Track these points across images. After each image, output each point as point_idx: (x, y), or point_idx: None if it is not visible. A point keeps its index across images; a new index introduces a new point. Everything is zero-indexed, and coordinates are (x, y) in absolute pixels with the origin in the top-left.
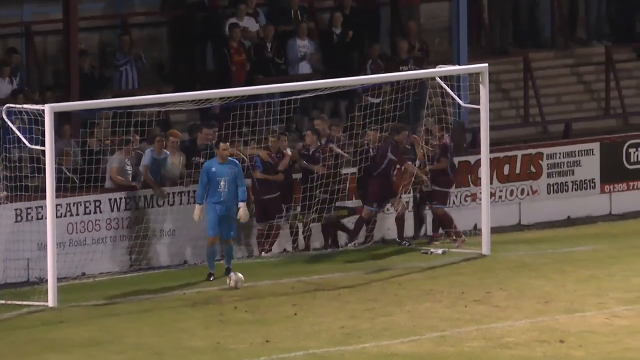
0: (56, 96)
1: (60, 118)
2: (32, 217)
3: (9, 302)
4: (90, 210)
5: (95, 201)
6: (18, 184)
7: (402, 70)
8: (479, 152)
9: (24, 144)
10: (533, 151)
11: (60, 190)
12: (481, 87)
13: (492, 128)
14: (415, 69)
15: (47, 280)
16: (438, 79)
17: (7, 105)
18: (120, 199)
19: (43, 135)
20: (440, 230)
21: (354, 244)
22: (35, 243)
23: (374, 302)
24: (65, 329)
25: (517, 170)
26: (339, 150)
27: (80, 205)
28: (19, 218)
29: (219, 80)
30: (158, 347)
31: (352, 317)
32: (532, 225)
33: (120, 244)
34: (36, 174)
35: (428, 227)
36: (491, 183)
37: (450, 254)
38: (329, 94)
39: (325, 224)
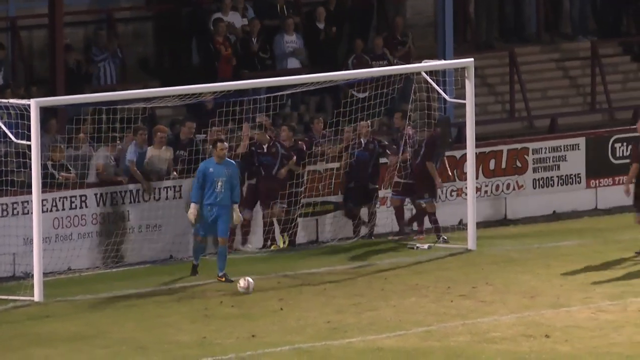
0: (42, 91)
1: (46, 113)
2: (18, 212)
3: None
4: (76, 205)
5: (81, 196)
6: (4, 178)
7: (375, 66)
8: (464, 147)
9: (10, 138)
10: (519, 146)
11: (46, 186)
12: (467, 81)
13: (477, 123)
14: (399, 64)
15: (33, 275)
16: (423, 73)
17: None
18: (107, 194)
19: (29, 130)
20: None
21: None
22: (21, 238)
23: (360, 296)
24: (51, 324)
25: (503, 165)
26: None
27: (66, 200)
28: (4, 213)
29: (204, 75)
30: (143, 342)
31: (338, 311)
32: (517, 220)
33: (106, 239)
34: (22, 169)
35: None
36: (477, 178)
37: (436, 249)
38: (314, 89)
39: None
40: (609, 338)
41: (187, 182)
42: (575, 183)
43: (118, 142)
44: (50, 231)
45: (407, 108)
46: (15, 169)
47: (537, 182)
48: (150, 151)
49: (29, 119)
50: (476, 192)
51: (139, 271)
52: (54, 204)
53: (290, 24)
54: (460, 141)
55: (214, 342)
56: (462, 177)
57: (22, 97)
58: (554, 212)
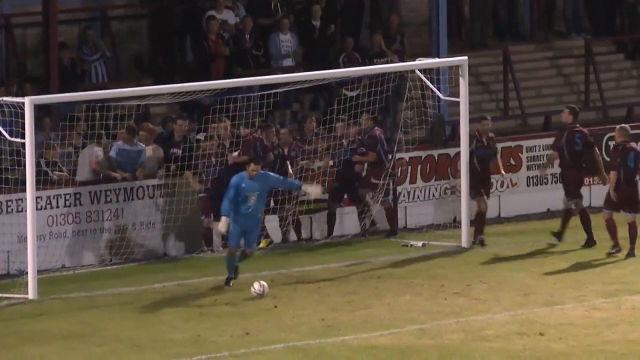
0: (36, 89)
1: (40, 111)
2: (12, 209)
3: None
4: (70, 203)
5: (75, 194)
6: None
7: (376, 64)
8: (458, 145)
9: (4, 136)
10: (513, 144)
11: (40, 183)
12: (461, 80)
13: (471, 121)
14: (394, 62)
15: (27, 273)
16: (418, 71)
17: None
18: (100, 191)
19: (23, 127)
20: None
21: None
22: (15, 235)
23: (353, 294)
24: (45, 322)
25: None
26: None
27: (60, 197)
28: None
29: (198, 73)
30: (138, 340)
31: (332, 309)
32: (511, 217)
33: (100, 237)
34: (16, 167)
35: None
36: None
37: (430, 246)
38: (308, 87)
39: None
40: (603, 336)
41: (184, 180)
42: None
43: (108, 138)
44: (45, 229)
45: (402, 107)
46: (9, 167)
47: (531, 180)
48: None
49: (23, 117)
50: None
51: (134, 269)
52: (49, 201)
53: (285, 23)
54: (454, 139)
55: (208, 340)
56: (456, 175)
57: (16, 95)
58: (548, 209)
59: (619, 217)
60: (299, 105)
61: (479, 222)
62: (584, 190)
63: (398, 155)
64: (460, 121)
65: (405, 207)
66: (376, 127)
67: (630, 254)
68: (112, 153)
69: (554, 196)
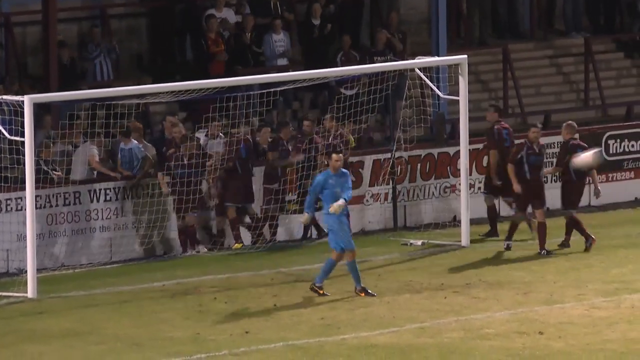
0: (35, 87)
1: (40, 109)
2: (11, 208)
3: None
4: (69, 202)
5: (74, 192)
6: None
7: (377, 62)
8: (458, 144)
9: (4, 135)
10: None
11: (39, 182)
12: (460, 78)
13: (471, 119)
14: (394, 60)
15: (26, 272)
16: (417, 70)
17: None
18: (100, 190)
19: (23, 126)
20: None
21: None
22: (14, 234)
23: (353, 293)
24: (45, 320)
25: None
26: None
27: (60, 196)
28: None
29: (197, 71)
30: (137, 338)
31: (332, 308)
32: (511, 216)
33: (100, 235)
34: (16, 165)
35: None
36: (470, 174)
37: (430, 245)
38: (308, 86)
39: None
40: (602, 335)
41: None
42: None
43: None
44: (44, 227)
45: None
46: (9, 165)
47: None
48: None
49: (22, 115)
50: (470, 189)
51: (133, 267)
52: (48, 200)
53: (278, 23)
54: (454, 138)
55: (207, 339)
56: (456, 173)
57: (16, 94)
58: (548, 209)
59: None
60: (299, 103)
61: (542, 233)
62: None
63: (397, 154)
64: (460, 119)
65: (405, 206)
66: (343, 130)
67: (565, 244)
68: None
69: (555, 195)
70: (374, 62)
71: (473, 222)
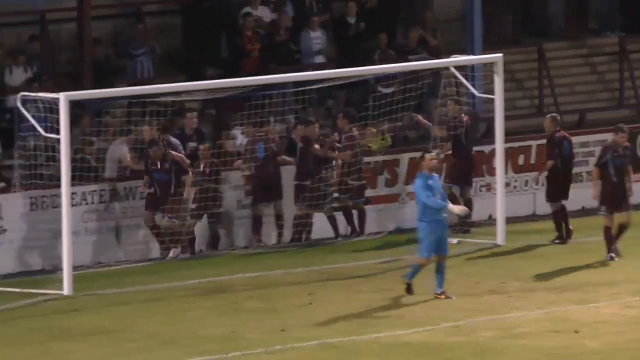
0: (70, 85)
1: (75, 107)
2: (47, 205)
3: (24, 290)
4: (105, 199)
5: (110, 190)
6: (33, 172)
7: (411, 60)
8: (493, 142)
9: (39, 132)
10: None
11: (75, 179)
12: (495, 77)
13: (506, 118)
14: (428, 59)
15: (62, 269)
16: (452, 68)
17: (22, 93)
18: (136, 187)
19: (58, 123)
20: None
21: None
22: (50, 231)
23: (388, 291)
24: (79, 317)
25: (532, 160)
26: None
27: (96, 193)
28: (34, 206)
29: (232, 69)
30: (170, 336)
31: (367, 306)
32: (546, 215)
33: (134, 233)
34: (51, 163)
35: None
36: (506, 173)
37: (465, 244)
38: (342, 84)
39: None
40: (636, 334)
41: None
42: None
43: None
44: (80, 225)
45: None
46: (44, 163)
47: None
48: None
49: (57, 113)
50: (505, 188)
51: (167, 265)
52: (84, 197)
53: (314, 20)
54: (489, 136)
55: (242, 337)
56: (491, 172)
57: (51, 91)
58: (583, 207)
59: None
60: (334, 101)
61: (615, 235)
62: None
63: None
64: (496, 118)
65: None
66: (353, 128)
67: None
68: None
69: (589, 194)
70: (408, 61)
71: (508, 220)
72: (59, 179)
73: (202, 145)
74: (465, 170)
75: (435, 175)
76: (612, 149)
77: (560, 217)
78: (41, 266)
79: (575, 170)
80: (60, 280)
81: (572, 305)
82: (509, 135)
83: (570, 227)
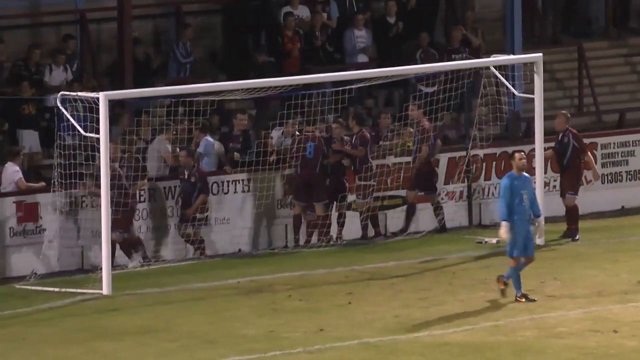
0: (110, 84)
1: (115, 106)
2: (86, 205)
3: (64, 290)
4: (144, 199)
5: (149, 189)
6: (72, 172)
7: (454, 60)
8: (533, 142)
9: (79, 131)
10: (587, 141)
11: (114, 179)
12: (535, 76)
13: (546, 118)
14: (469, 58)
15: (101, 268)
16: (492, 68)
17: (62, 93)
18: (176, 187)
19: (97, 123)
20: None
21: None
22: (89, 231)
23: (427, 291)
24: (119, 317)
25: None
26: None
27: (135, 193)
28: (73, 206)
29: (272, 68)
30: (211, 335)
31: (406, 306)
32: (586, 215)
33: (174, 232)
34: (91, 162)
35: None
36: (545, 173)
37: (504, 243)
38: (383, 83)
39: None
40: None
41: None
42: None
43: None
44: None
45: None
46: (83, 162)
47: (606, 177)
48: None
49: (97, 112)
50: (544, 187)
51: (207, 265)
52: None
53: (359, 19)
54: (529, 136)
55: (281, 336)
56: (531, 171)
57: (92, 90)
58: (622, 207)
59: None
60: (373, 101)
61: None
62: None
63: (473, 152)
64: (535, 118)
65: (480, 204)
66: (363, 128)
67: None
68: (201, 149)
69: (629, 193)
70: (450, 60)
71: (548, 220)
72: (98, 178)
73: (182, 152)
74: (428, 176)
75: (525, 174)
76: None
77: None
78: (80, 266)
79: (614, 170)
80: (100, 280)
81: (612, 305)
82: (548, 134)
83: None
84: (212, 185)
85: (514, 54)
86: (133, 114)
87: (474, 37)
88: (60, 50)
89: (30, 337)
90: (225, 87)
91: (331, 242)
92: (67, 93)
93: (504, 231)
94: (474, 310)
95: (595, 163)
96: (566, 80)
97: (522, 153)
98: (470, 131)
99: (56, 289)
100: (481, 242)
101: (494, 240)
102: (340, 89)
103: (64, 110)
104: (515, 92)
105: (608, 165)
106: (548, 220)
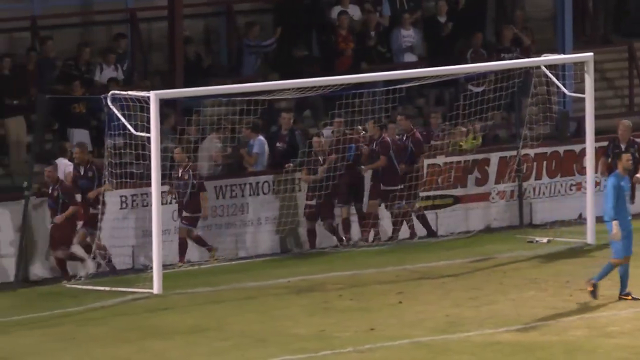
0: (161, 83)
1: (164, 105)
2: (137, 204)
3: (114, 289)
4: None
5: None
6: (123, 170)
7: (504, 59)
8: (583, 141)
9: (129, 130)
10: (638, 140)
11: (165, 178)
12: (586, 76)
13: (596, 117)
14: (520, 58)
15: (152, 268)
16: (543, 67)
17: (112, 92)
18: (226, 186)
19: (147, 122)
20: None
21: None
22: (140, 230)
23: (478, 290)
24: (169, 316)
25: None
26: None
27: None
28: (124, 205)
29: (324, 67)
30: (262, 334)
31: (457, 305)
32: (637, 214)
33: (226, 232)
34: (141, 161)
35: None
36: (596, 172)
37: (555, 243)
38: (433, 83)
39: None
40: None
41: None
42: None
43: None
44: (170, 223)
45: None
46: (134, 161)
47: None
48: None
49: (148, 111)
50: (596, 187)
51: (257, 264)
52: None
53: (406, 18)
54: (580, 135)
55: (332, 335)
56: (582, 171)
57: (142, 90)
58: None
59: None
60: (424, 100)
61: None
62: None
63: (523, 152)
64: (586, 117)
65: (531, 204)
66: (384, 134)
67: None
68: (257, 149)
69: None
70: (501, 59)
71: (599, 220)
72: (148, 177)
73: (176, 149)
74: (355, 187)
75: (627, 176)
76: None
77: None
78: (131, 265)
79: None
80: (150, 279)
81: None
82: (599, 134)
83: None
84: (263, 184)
85: (564, 53)
86: (181, 113)
87: (525, 37)
88: (111, 49)
89: (80, 336)
90: (274, 87)
91: (381, 242)
92: (118, 92)
93: (615, 230)
94: (524, 310)
95: None
96: (616, 80)
97: (629, 154)
98: (521, 130)
99: (107, 288)
100: (532, 242)
101: (544, 240)
102: (391, 87)
103: (114, 109)
104: (566, 92)
105: None
106: (599, 220)
